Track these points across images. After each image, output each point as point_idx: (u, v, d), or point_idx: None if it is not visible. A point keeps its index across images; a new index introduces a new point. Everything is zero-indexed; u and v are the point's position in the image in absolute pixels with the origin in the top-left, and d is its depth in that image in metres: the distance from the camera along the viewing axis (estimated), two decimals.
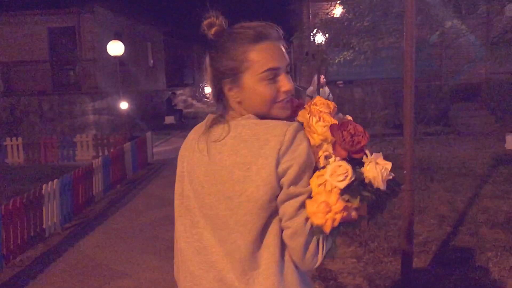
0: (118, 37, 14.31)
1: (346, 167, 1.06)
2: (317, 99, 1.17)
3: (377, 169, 1.07)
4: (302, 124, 1.15)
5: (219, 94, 1.21)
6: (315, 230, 1.09)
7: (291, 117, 1.20)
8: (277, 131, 1.09)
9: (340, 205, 1.04)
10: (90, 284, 4.13)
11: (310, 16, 15.26)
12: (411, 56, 3.23)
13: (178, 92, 23.66)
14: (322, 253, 1.13)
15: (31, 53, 15.29)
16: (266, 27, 1.16)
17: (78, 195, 6.26)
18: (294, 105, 1.21)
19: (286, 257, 1.14)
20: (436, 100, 12.43)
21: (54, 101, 14.23)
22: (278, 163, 1.07)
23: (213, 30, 1.17)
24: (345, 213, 1.05)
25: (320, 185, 1.06)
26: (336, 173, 1.05)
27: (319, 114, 1.12)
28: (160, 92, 21.36)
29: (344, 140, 1.08)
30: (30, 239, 4.97)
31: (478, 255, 4.13)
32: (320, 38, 10.28)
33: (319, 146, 1.11)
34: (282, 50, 1.17)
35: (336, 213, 1.04)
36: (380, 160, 1.09)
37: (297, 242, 1.10)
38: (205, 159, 1.18)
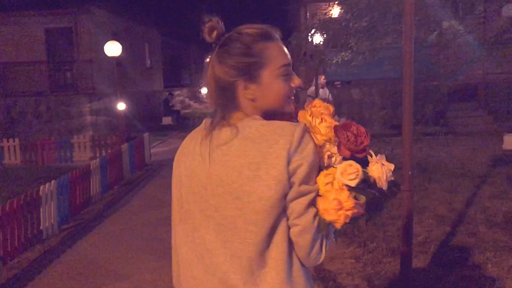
0: (115, 37, 14.25)
1: (357, 166, 1.11)
2: (317, 102, 1.21)
3: (382, 170, 1.13)
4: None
5: (225, 94, 1.19)
6: (322, 227, 1.13)
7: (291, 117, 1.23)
8: (285, 131, 1.11)
9: (351, 202, 1.10)
10: (88, 286, 4.11)
11: (308, 17, 15.26)
12: (410, 56, 3.22)
13: (176, 92, 23.66)
14: (325, 250, 1.17)
15: (28, 53, 15.25)
16: (272, 28, 1.21)
17: (76, 197, 6.23)
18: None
19: (293, 254, 1.16)
20: (434, 101, 12.43)
21: (51, 102, 14.19)
22: (289, 162, 1.09)
23: (215, 33, 1.19)
24: (355, 210, 1.11)
25: (327, 183, 1.11)
26: (346, 171, 1.10)
27: (321, 116, 1.16)
28: (157, 93, 21.33)
29: (348, 140, 1.12)
30: (28, 241, 4.95)
31: (477, 255, 4.13)
32: (318, 39, 10.27)
33: (322, 146, 1.15)
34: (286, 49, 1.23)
35: (347, 209, 1.10)
36: (384, 161, 1.15)
37: (305, 239, 1.13)
38: (207, 162, 1.17)
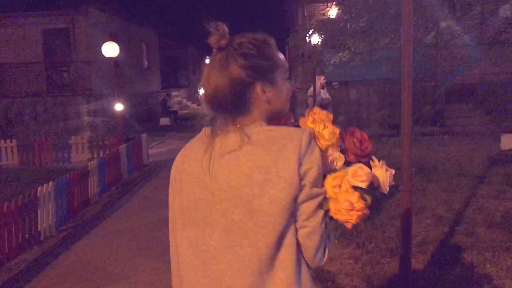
0: (112, 38, 14.22)
1: (367, 169, 1.19)
2: (316, 109, 1.28)
3: (386, 175, 1.22)
4: None
5: (239, 96, 1.20)
6: (330, 227, 1.19)
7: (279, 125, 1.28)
8: (293, 136, 1.16)
9: (361, 203, 1.16)
10: (86, 287, 4.10)
11: (306, 17, 15.26)
12: (408, 57, 3.22)
13: (173, 93, 23.63)
14: (328, 251, 1.21)
15: (25, 54, 15.22)
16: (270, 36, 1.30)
17: (74, 198, 6.22)
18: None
19: (300, 256, 1.19)
20: (432, 101, 12.46)
21: (49, 102, 14.15)
22: (300, 165, 1.13)
23: (224, 41, 1.21)
24: (366, 210, 1.17)
25: (335, 186, 1.17)
26: (357, 174, 1.18)
27: (323, 122, 1.23)
28: (155, 94, 21.31)
29: (355, 145, 1.22)
30: (25, 242, 4.93)
31: (475, 255, 4.13)
32: (315, 39, 10.27)
33: (325, 151, 1.22)
34: None
35: (358, 210, 1.16)
36: (386, 166, 1.25)
37: (313, 241, 1.16)
38: (213, 168, 1.18)
